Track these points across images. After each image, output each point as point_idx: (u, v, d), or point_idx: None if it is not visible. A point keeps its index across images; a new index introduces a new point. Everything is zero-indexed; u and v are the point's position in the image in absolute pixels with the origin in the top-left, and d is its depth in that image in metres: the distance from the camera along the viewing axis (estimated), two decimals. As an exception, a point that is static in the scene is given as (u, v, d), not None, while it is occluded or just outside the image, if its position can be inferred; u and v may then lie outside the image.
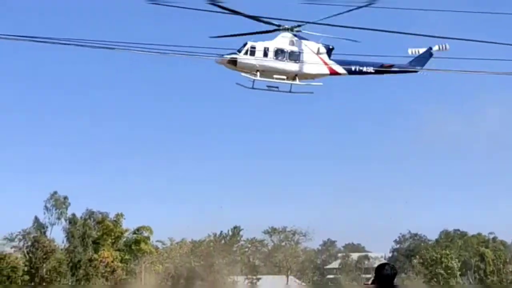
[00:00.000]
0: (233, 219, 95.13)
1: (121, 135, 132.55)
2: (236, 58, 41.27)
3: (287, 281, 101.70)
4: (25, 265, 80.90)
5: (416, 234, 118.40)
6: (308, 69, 42.55)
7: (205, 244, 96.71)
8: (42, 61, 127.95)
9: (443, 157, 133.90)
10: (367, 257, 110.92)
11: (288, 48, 42.40)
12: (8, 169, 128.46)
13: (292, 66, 42.20)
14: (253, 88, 41.70)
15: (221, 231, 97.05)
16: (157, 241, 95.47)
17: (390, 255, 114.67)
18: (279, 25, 41.69)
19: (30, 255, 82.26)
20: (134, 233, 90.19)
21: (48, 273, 78.62)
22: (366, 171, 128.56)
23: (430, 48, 43.22)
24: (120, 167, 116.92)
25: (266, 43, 42.15)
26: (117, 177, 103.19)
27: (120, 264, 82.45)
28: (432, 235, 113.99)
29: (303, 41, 42.63)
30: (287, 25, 41.94)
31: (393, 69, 43.18)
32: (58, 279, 75.69)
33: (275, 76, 41.88)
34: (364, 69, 42.96)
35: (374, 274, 10.20)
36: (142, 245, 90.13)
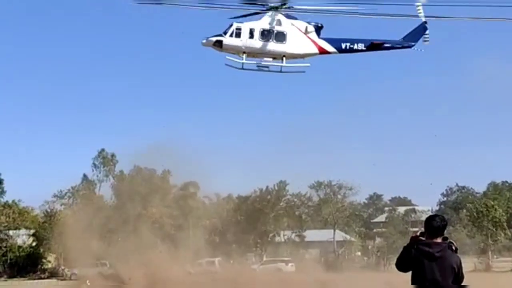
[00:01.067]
0: (279, 174, 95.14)
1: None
2: (221, 39, 40.41)
3: (334, 235, 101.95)
4: (75, 222, 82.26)
5: (463, 187, 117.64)
6: (295, 49, 41.43)
7: (251, 199, 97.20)
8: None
9: (492, 109, 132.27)
10: (414, 211, 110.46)
11: (274, 28, 41.15)
12: (56, 127, 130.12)
13: (279, 47, 41.11)
14: (242, 68, 40.94)
15: (267, 186, 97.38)
16: (204, 196, 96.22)
17: (437, 208, 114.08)
18: (265, 4, 40.49)
19: (80, 211, 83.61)
20: (181, 189, 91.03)
21: (98, 229, 79.84)
22: (412, 123, 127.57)
23: (425, 22, 41.53)
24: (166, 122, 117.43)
25: (252, 24, 41.06)
26: (164, 134, 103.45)
27: (168, 220, 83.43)
28: (480, 188, 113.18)
29: (290, 20, 41.37)
30: (273, 3, 40.75)
31: (386, 45, 41.73)
32: (108, 235, 76.83)
33: (261, 57, 40.84)
34: (355, 46, 41.60)
35: (423, 226, 10.13)
36: (189, 201, 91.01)
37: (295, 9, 40.83)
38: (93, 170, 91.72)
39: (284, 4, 40.69)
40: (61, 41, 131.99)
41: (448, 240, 10.04)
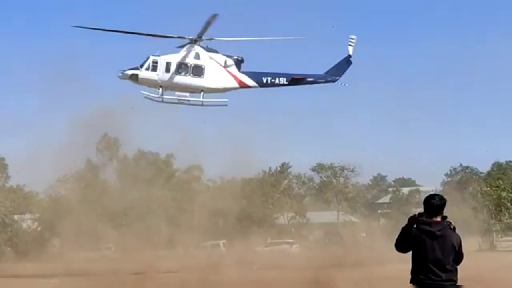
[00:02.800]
0: (281, 157, 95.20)
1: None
2: (137, 73, 39.75)
3: (338, 216, 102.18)
4: (80, 206, 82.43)
5: (467, 167, 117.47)
6: (214, 83, 40.55)
7: (254, 181, 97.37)
8: None
9: (495, 87, 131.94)
10: (418, 191, 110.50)
11: (191, 62, 40.29)
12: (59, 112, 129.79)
13: (196, 81, 40.26)
14: (162, 101, 40.32)
15: (270, 168, 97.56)
16: (208, 180, 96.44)
17: (441, 188, 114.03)
18: (182, 37, 39.78)
19: (84, 196, 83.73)
20: (185, 172, 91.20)
21: (102, 213, 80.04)
22: (415, 102, 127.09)
23: (349, 56, 40.81)
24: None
25: (169, 57, 40.31)
26: (166, 117, 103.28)
27: (172, 203, 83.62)
28: (484, 168, 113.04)
29: (209, 53, 40.52)
30: (192, 36, 40.05)
31: (308, 79, 40.96)
32: (112, 219, 77.01)
33: (177, 93, 40.16)
34: (276, 80, 40.71)
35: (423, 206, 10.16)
36: (193, 184, 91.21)
37: (215, 40, 40.11)
38: (96, 155, 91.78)
39: (202, 38, 39.93)
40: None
41: (447, 219, 10.07)
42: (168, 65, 39.70)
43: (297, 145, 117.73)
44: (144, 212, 76.02)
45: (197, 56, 39.89)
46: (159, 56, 39.90)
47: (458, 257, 10.04)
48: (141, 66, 39.68)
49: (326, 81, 40.67)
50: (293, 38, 41.89)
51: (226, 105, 42.01)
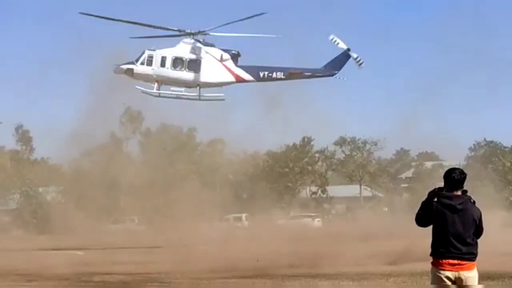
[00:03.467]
0: (303, 130, 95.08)
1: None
2: (132, 68, 39.35)
3: (360, 190, 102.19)
4: (103, 179, 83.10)
5: (491, 141, 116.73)
6: (209, 78, 40.00)
7: (277, 155, 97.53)
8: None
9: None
10: (441, 166, 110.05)
11: (187, 56, 39.74)
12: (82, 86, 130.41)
13: (191, 76, 39.71)
14: (159, 96, 40.02)
15: (294, 143, 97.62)
16: (230, 153, 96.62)
17: (464, 163, 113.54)
18: (180, 30, 39.28)
19: (108, 169, 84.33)
20: (208, 146, 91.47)
21: (125, 186, 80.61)
22: (439, 75, 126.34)
23: (349, 50, 40.04)
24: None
25: (165, 52, 39.77)
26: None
27: (194, 177, 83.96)
28: (508, 142, 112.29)
29: (205, 47, 39.94)
30: (189, 30, 39.54)
31: (305, 73, 40.33)
32: (135, 192, 77.53)
33: (172, 87, 39.71)
34: (274, 74, 40.06)
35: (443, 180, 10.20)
36: (216, 158, 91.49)
37: (212, 35, 39.76)
38: (120, 128, 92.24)
39: (201, 31, 39.61)
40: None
41: (467, 193, 10.10)
42: (163, 59, 39.40)
43: (319, 119, 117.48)
44: (167, 185, 76.39)
45: (192, 51, 39.57)
46: (154, 50, 39.70)
47: (478, 230, 10.09)
48: (136, 60, 39.49)
49: (324, 75, 40.39)
50: (271, 36, 41.59)
51: (223, 99, 42.15)
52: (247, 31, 39.70)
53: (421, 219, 10.22)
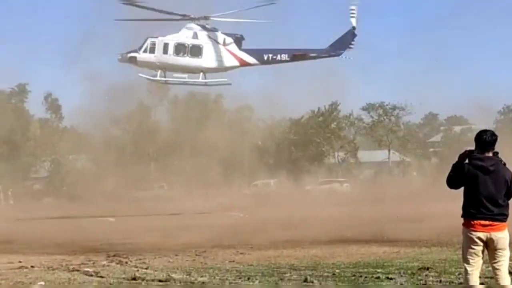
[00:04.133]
0: (329, 96, 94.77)
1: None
2: (135, 56, 38.92)
3: (388, 155, 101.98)
4: (132, 146, 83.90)
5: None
6: (212, 63, 39.45)
7: (304, 120, 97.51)
8: None
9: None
10: (470, 130, 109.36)
11: (189, 42, 39.18)
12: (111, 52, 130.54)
13: (194, 61, 39.19)
14: (166, 83, 39.64)
15: (319, 108, 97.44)
16: (258, 119, 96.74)
17: (494, 126, 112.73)
18: (183, 15, 38.72)
19: (136, 136, 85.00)
20: (236, 112, 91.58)
21: (154, 153, 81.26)
22: (466, 38, 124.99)
23: (353, 28, 39.35)
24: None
25: (167, 38, 39.35)
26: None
27: (223, 143, 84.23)
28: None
29: (207, 32, 39.34)
30: (192, 15, 38.95)
31: (310, 54, 39.64)
32: (164, 158, 78.11)
33: (175, 74, 39.23)
34: (278, 57, 39.44)
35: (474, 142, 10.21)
36: (244, 124, 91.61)
37: (213, 20, 39.28)
38: (147, 96, 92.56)
39: (204, 17, 39.09)
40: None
41: (498, 155, 10.13)
42: (165, 46, 39.18)
43: (346, 85, 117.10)
44: (195, 152, 76.81)
45: (195, 36, 39.24)
46: (156, 37, 39.44)
47: (509, 192, 10.12)
48: (139, 48, 39.34)
49: (330, 55, 40.06)
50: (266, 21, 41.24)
51: (229, 84, 41.93)
52: (251, 15, 39.36)
53: (453, 181, 10.25)
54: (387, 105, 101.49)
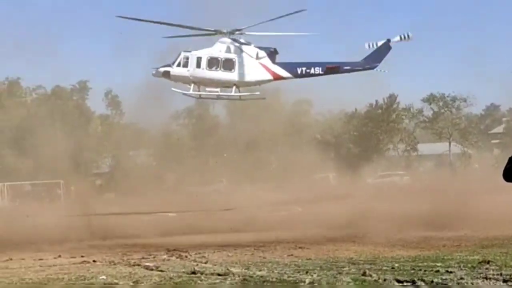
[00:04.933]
0: (389, 88, 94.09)
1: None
2: (169, 70, 38.86)
3: (449, 147, 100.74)
4: (191, 141, 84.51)
5: None
6: (245, 77, 39.06)
7: (363, 114, 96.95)
8: None
9: None
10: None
11: (222, 56, 38.86)
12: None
13: (227, 75, 38.86)
14: (200, 97, 39.65)
15: (376, 100, 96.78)
16: (316, 113, 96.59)
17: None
18: (215, 30, 38.47)
19: (195, 131, 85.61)
20: (294, 106, 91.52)
21: (213, 148, 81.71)
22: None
23: (389, 40, 38.60)
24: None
25: (200, 52, 39.10)
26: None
27: (281, 137, 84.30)
28: None
29: (241, 46, 38.98)
30: (225, 29, 38.68)
31: (345, 67, 39.07)
32: (223, 153, 78.50)
33: (207, 88, 39.04)
34: (312, 70, 38.87)
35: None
36: (302, 118, 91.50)
37: (247, 34, 39.09)
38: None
39: (237, 30, 38.92)
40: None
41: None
42: (198, 60, 39.22)
43: (405, 77, 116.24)
44: (253, 146, 77.04)
45: (228, 50, 39.20)
46: (190, 52, 39.56)
47: None
48: (173, 63, 39.50)
49: (364, 69, 39.85)
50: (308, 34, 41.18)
51: (264, 98, 42.08)
52: (285, 28, 39.33)
53: (510, 174, 10.11)
54: (447, 96, 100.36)
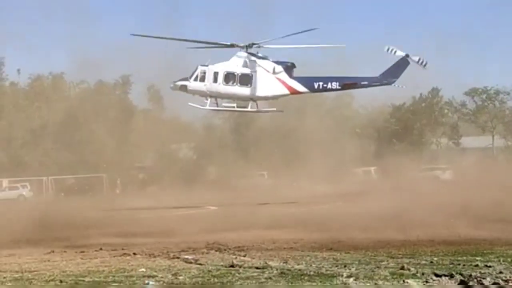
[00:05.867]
0: (431, 81, 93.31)
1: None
2: (186, 84, 38.90)
3: (493, 141, 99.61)
4: (233, 134, 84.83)
5: None
6: (262, 91, 38.86)
7: (404, 107, 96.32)
8: None
9: None
10: None
11: (239, 71, 38.66)
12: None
13: (243, 90, 38.65)
14: (217, 111, 39.54)
15: (421, 94, 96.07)
16: (358, 106, 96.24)
17: None
18: (232, 44, 38.28)
19: (237, 125, 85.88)
20: (336, 99, 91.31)
21: (254, 141, 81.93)
22: None
23: (407, 55, 37.98)
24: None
25: (217, 67, 39.03)
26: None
27: (323, 130, 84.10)
28: None
29: (258, 60, 38.73)
30: (243, 43, 38.50)
31: (362, 83, 38.60)
32: (264, 146, 78.66)
33: (224, 103, 38.95)
34: (328, 85, 38.50)
35: None
36: (344, 111, 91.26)
37: (265, 48, 39.00)
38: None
39: (254, 44, 38.82)
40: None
41: None
42: (215, 75, 39.28)
43: (448, 70, 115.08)
44: (294, 140, 76.97)
45: (245, 64, 39.20)
46: (207, 66, 39.59)
47: None
48: (190, 77, 39.71)
49: (382, 84, 39.70)
50: (335, 46, 41.12)
51: (281, 111, 42.20)
52: (303, 41, 39.32)
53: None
54: (490, 90, 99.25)
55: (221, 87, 39.53)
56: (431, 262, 17.27)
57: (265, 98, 40.41)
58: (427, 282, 14.71)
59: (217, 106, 40.70)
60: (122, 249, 22.97)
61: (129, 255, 21.37)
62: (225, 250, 22.05)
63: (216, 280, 15.94)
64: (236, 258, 19.54)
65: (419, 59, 39.25)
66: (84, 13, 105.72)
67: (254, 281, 15.49)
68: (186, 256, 20.47)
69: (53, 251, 23.41)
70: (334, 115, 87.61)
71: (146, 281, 15.96)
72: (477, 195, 39.39)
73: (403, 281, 14.90)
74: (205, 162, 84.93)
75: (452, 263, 16.83)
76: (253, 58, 39.64)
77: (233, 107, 40.83)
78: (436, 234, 24.94)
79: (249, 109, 40.09)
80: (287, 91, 40.13)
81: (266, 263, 18.03)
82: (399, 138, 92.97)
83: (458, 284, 14.37)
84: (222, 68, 39.71)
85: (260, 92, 39.54)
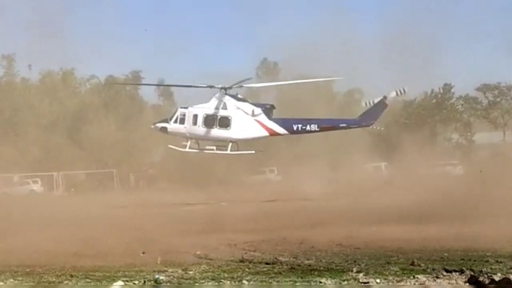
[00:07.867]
0: (443, 77, 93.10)
1: None
2: (166, 126, 39.35)
3: (504, 137, 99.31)
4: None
5: None
6: (241, 134, 39.12)
7: (416, 103, 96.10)
8: None
9: None
10: None
11: (218, 113, 38.94)
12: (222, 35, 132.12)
13: (223, 133, 39.01)
14: (198, 151, 39.87)
15: (432, 90, 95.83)
16: (368, 102, 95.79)
17: None
18: (210, 86, 38.59)
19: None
20: (345, 96, 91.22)
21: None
22: None
23: (385, 98, 38.47)
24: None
25: (196, 109, 39.38)
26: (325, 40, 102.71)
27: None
28: None
29: (237, 103, 38.99)
30: (221, 85, 38.81)
31: (340, 125, 39.15)
32: (273, 142, 78.44)
33: (207, 146, 39.26)
34: (307, 127, 38.98)
35: None
36: (354, 107, 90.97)
37: (246, 87, 39.36)
38: (256, 80, 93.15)
39: (235, 85, 39.14)
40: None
41: None
42: (195, 117, 39.69)
43: (460, 65, 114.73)
44: (304, 136, 76.82)
45: (224, 107, 39.53)
46: (186, 108, 39.98)
47: None
48: (170, 119, 40.13)
49: (360, 126, 40.52)
50: (331, 79, 42.26)
51: (254, 152, 42.49)
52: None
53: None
54: (503, 85, 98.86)
55: (200, 129, 39.98)
56: (442, 257, 17.22)
57: (244, 140, 40.69)
58: (437, 277, 14.68)
59: (198, 147, 41.00)
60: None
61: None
62: (235, 245, 22.07)
63: (226, 275, 15.95)
64: (246, 253, 19.56)
65: (396, 92, 40.10)
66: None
67: (264, 276, 15.50)
68: (197, 251, 20.50)
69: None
70: (344, 111, 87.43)
71: (156, 276, 15.98)
72: (487, 190, 39.27)
73: (413, 276, 14.88)
74: (215, 158, 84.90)
75: (462, 259, 16.78)
76: (232, 100, 39.99)
77: (213, 149, 41.09)
78: (446, 229, 24.86)
79: (228, 151, 40.35)
80: (266, 133, 40.77)
81: (276, 258, 18.03)
82: (411, 134, 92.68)
83: (469, 279, 14.34)
84: (201, 110, 40.16)
85: (239, 135, 40.04)
